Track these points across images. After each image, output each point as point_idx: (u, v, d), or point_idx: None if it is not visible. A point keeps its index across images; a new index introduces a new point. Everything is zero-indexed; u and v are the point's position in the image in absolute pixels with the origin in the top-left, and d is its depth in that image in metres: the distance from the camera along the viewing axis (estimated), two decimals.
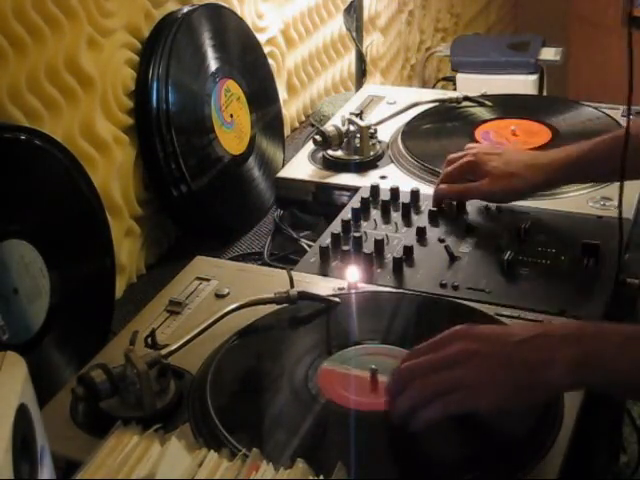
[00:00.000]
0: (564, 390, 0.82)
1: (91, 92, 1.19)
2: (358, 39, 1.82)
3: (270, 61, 1.63)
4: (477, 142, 1.42)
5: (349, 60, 2.02)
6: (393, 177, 1.35)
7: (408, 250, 1.13)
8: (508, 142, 1.42)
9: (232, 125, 1.44)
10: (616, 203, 1.23)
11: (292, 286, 1.01)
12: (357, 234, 1.16)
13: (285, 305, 1.00)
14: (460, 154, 1.26)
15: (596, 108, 1.52)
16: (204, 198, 1.34)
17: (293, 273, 1.03)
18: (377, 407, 0.84)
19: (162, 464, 0.75)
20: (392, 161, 1.40)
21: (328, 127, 1.41)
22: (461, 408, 0.79)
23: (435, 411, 0.79)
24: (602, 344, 0.78)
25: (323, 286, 1.06)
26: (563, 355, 0.77)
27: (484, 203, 1.25)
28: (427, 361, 0.81)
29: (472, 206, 1.24)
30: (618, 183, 1.27)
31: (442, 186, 1.23)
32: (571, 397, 0.86)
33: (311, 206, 1.37)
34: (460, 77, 2.11)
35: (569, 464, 0.79)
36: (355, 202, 1.26)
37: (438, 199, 1.23)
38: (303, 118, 1.87)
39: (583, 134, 1.44)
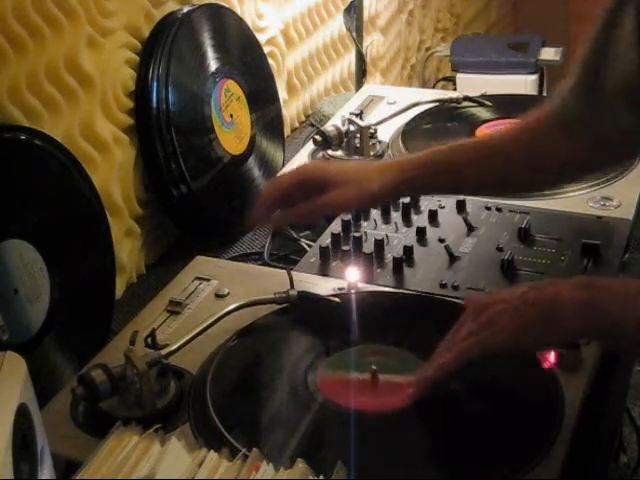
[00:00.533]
0: (575, 333, 0.84)
1: (91, 92, 1.19)
2: (358, 39, 1.82)
3: (270, 61, 1.63)
4: None
5: (349, 60, 2.02)
6: None
7: (408, 250, 1.13)
8: None
9: (232, 125, 1.44)
10: (616, 203, 1.24)
11: (292, 286, 1.01)
12: (357, 234, 1.17)
13: (285, 305, 1.00)
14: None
15: None
16: (204, 198, 1.34)
17: (293, 273, 1.03)
18: (377, 407, 0.84)
19: (162, 464, 0.75)
20: None
21: (328, 127, 1.41)
22: (477, 349, 0.83)
23: (453, 357, 0.83)
24: (609, 293, 0.82)
25: (323, 286, 1.06)
26: (572, 297, 0.81)
27: (484, 203, 1.25)
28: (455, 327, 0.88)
29: (472, 206, 1.24)
30: (617, 183, 1.28)
31: (277, 215, 1.04)
32: (571, 397, 0.86)
33: None
34: (460, 77, 2.11)
35: (569, 464, 0.79)
36: None
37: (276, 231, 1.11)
38: (303, 118, 1.87)
39: None
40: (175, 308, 1.03)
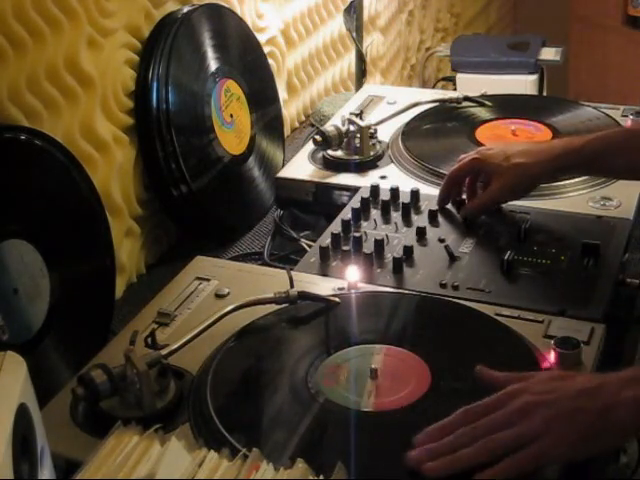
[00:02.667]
0: (635, 431, 0.79)
1: (91, 92, 1.19)
2: (358, 39, 1.82)
3: (270, 61, 1.63)
4: (478, 143, 1.42)
5: (349, 60, 2.02)
6: (393, 177, 1.35)
7: (408, 250, 1.13)
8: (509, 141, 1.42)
9: (232, 125, 1.44)
10: (616, 203, 1.24)
11: (292, 286, 1.01)
12: (357, 234, 1.16)
13: (285, 305, 1.00)
14: (463, 156, 1.26)
15: (596, 108, 1.52)
16: (204, 198, 1.34)
17: (293, 273, 1.03)
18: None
19: (162, 464, 0.75)
20: (392, 161, 1.40)
21: (328, 127, 1.41)
22: (533, 464, 0.75)
23: (505, 470, 0.74)
24: None
25: (323, 286, 1.06)
26: (626, 397, 0.76)
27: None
28: (488, 421, 0.77)
29: None
30: (617, 183, 1.28)
31: (467, 208, 1.22)
32: None
33: (311, 206, 1.37)
34: (460, 77, 2.11)
35: (569, 464, 0.79)
36: (355, 202, 1.26)
37: (468, 217, 1.21)
38: (303, 118, 1.87)
39: (583, 134, 1.44)
40: (164, 320, 1.01)
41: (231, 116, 1.44)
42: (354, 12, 1.78)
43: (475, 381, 0.87)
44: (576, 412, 0.76)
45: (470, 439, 0.76)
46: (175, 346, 0.90)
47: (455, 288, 1.07)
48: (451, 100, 1.58)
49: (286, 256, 1.29)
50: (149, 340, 0.91)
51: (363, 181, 1.34)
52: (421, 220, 1.22)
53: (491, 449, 0.75)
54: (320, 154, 1.43)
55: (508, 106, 1.56)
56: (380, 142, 1.44)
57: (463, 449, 0.76)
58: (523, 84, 2.04)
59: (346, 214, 1.23)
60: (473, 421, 0.78)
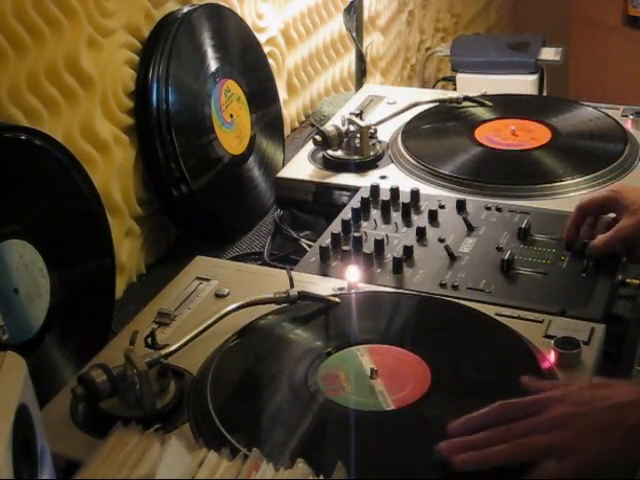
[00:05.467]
0: None
1: (91, 92, 1.19)
2: (358, 39, 1.83)
3: (270, 61, 1.63)
4: (477, 142, 1.42)
5: (349, 60, 2.03)
6: (393, 177, 1.35)
7: (408, 250, 1.13)
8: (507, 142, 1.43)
9: (232, 125, 1.44)
10: None
11: (292, 286, 1.01)
12: (357, 234, 1.16)
13: (285, 305, 1.00)
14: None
15: (596, 108, 1.52)
16: (204, 198, 1.34)
17: (293, 273, 1.03)
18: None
19: (162, 464, 0.75)
20: (392, 161, 1.41)
21: (328, 127, 1.41)
22: (567, 477, 0.76)
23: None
24: None
25: (323, 286, 1.06)
26: None
27: (484, 203, 1.25)
28: (524, 425, 0.78)
29: (472, 206, 1.24)
30: (617, 183, 1.28)
31: (596, 243, 1.11)
32: None
33: (311, 206, 1.37)
34: (460, 77, 2.11)
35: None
36: (355, 202, 1.26)
37: (598, 254, 1.11)
38: (303, 118, 1.87)
39: (583, 134, 1.45)
40: (164, 320, 1.02)
41: (231, 116, 1.44)
42: (354, 12, 1.78)
43: (474, 381, 0.87)
44: (611, 428, 0.76)
45: (503, 440, 0.77)
46: (175, 346, 0.90)
47: (455, 288, 1.07)
48: (451, 100, 1.58)
49: (286, 256, 1.29)
50: (149, 340, 0.91)
51: (363, 181, 1.34)
52: (421, 220, 1.22)
53: (523, 452, 0.76)
54: (320, 154, 1.43)
55: (508, 106, 1.56)
56: (380, 142, 1.44)
57: (494, 446, 0.77)
58: (523, 84, 2.04)
59: (346, 214, 1.23)
60: (508, 419, 0.79)
